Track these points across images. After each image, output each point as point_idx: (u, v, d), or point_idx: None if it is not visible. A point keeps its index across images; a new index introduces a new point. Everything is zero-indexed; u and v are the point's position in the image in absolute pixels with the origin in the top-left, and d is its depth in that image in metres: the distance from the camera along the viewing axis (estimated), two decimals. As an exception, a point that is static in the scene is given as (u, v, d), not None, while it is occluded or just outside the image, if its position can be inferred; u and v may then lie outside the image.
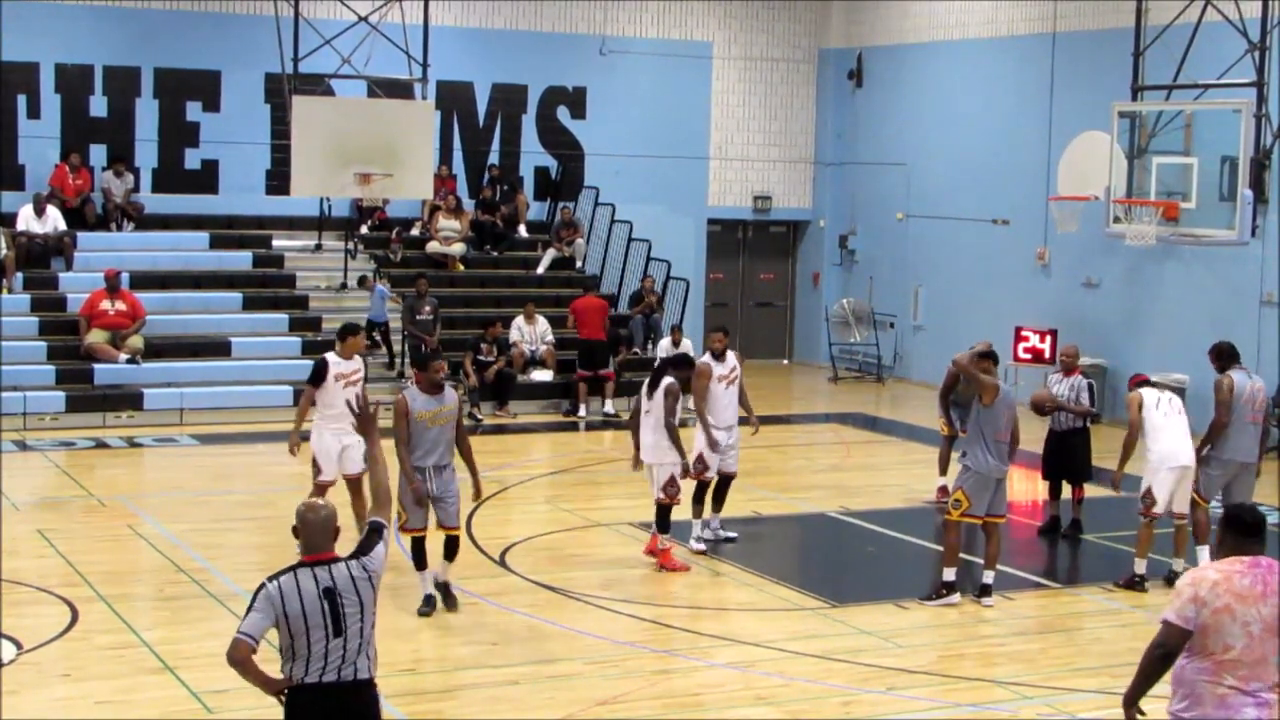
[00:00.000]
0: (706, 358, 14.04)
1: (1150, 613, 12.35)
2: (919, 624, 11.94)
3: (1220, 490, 13.14)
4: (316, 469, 13.17)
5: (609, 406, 21.47)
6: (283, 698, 6.57)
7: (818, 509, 16.05)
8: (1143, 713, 6.52)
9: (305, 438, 13.36)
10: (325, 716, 6.53)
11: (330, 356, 13.14)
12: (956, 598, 12.35)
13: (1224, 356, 13.34)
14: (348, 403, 7.74)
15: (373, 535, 6.82)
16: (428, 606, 11.68)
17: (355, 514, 12.77)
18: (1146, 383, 13.44)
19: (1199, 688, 6.36)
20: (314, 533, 6.65)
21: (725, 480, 14.13)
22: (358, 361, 13.29)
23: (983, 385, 12.37)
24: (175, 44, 23.39)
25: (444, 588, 11.82)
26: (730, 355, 14.06)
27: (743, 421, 14.26)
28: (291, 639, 6.48)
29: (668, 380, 13.13)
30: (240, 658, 6.46)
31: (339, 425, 12.91)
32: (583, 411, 21.53)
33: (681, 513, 13.62)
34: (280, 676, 6.55)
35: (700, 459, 13.85)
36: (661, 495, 13.17)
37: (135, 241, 22.51)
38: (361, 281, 22.53)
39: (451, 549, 11.78)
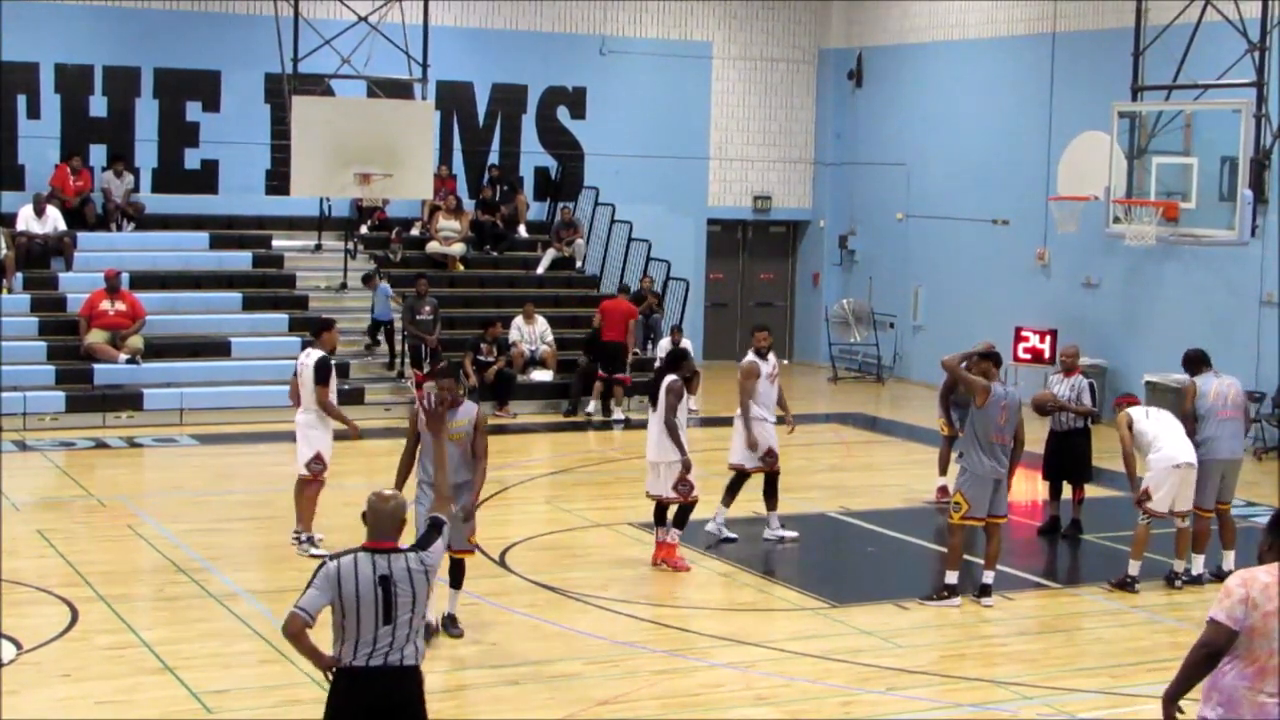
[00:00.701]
0: (752, 356, 14.24)
1: (1149, 613, 12.38)
2: (919, 624, 11.93)
3: (1214, 494, 13.18)
4: (321, 464, 13.24)
5: (617, 413, 21.38)
6: (330, 675, 6.75)
7: (818, 509, 16.04)
8: (1182, 711, 6.49)
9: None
10: (369, 699, 6.70)
11: (323, 353, 13.38)
12: (958, 601, 12.33)
13: (1191, 363, 13.52)
14: (422, 403, 7.81)
15: (432, 531, 7.04)
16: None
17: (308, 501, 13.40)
18: (1133, 403, 13.44)
19: (1238, 694, 6.32)
20: (381, 520, 6.86)
21: (743, 477, 14.24)
22: None
23: (971, 386, 12.33)
24: (175, 44, 23.39)
25: (450, 619, 11.18)
26: (771, 354, 14.34)
27: (779, 420, 14.46)
28: (344, 619, 6.68)
29: (670, 378, 13.15)
30: (294, 631, 6.70)
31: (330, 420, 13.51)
32: (590, 408, 21.50)
33: (699, 512, 13.70)
34: (332, 654, 6.76)
35: (770, 452, 14.07)
36: (674, 494, 13.15)
37: (135, 242, 22.51)
38: (366, 280, 22.44)
39: (458, 576, 11.12)
